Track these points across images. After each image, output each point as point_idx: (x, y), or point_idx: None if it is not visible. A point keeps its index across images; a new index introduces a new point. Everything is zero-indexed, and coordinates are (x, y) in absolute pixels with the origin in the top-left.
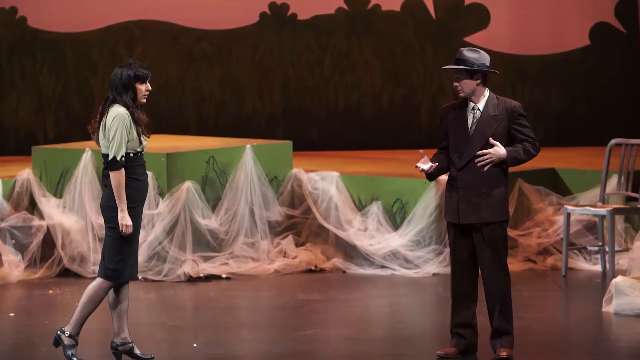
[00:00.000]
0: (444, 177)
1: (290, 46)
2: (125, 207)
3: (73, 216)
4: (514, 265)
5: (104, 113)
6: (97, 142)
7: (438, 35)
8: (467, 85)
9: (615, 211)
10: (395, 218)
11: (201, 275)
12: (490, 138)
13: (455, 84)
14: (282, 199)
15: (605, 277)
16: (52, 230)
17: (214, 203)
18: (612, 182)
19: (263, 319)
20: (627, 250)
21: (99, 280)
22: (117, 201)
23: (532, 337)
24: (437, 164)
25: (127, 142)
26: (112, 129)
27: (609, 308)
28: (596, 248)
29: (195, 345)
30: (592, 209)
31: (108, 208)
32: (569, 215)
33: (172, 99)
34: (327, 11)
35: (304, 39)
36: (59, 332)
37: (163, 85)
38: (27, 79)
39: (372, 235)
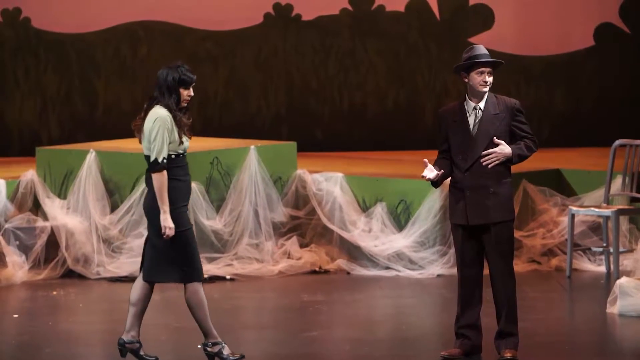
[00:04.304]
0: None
1: (294, 47)
2: (167, 209)
3: (77, 217)
4: (519, 266)
5: (147, 112)
6: (140, 142)
7: (442, 36)
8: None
9: (620, 212)
10: (400, 219)
11: (205, 276)
12: (494, 137)
13: (488, 79)
14: (287, 199)
15: (609, 278)
16: (56, 231)
17: (218, 204)
18: (617, 183)
19: (267, 320)
20: (631, 251)
21: (188, 286)
22: (159, 203)
23: (536, 338)
24: (442, 171)
25: (169, 143)
26: (153, 131)
27: (613, 309)
28: (600, 249)
29: (199, 346)
30: (597, 209)
31: (152, 210)
32: (573, 216)
33: None
34: (331, 12)
35: (308, 39)
36: (204, 348)
37: None
38: (31, 80)
39: (376, 236)
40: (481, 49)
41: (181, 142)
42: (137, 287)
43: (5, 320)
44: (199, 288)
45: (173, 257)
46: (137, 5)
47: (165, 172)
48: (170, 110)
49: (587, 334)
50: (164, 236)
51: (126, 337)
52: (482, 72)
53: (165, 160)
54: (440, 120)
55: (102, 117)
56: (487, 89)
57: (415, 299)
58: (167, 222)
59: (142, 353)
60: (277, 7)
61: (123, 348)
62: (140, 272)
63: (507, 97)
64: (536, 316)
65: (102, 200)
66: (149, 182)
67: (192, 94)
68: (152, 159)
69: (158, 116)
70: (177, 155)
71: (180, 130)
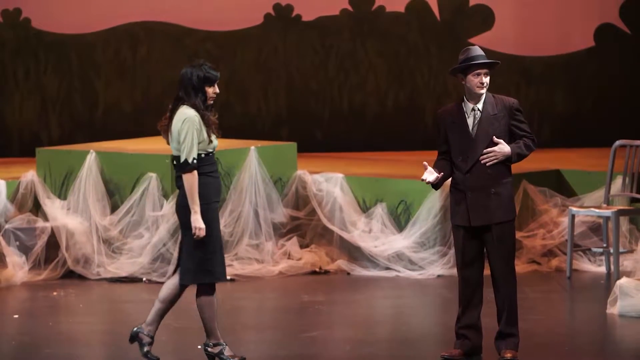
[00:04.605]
0: (448, 180)
1: (294, 47)
2: (198, 209)
3: (77, 218)
4: (519, 266)
5: (173, 112)
6: (168, 142)
7: (442, 37)
8: (488, 82)
9: (620, 212)
10: (400, 219)
11: None
12: (494, 137)
13: (485, 80)
14: (287, 200)
15: (609, 279)
16: (56, 231)
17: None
18: (617, 184)
19: (267, 321)
20: (631, 251)
21: (197, 288)
22: (189, 203)
23: (536, 338)
24: (441, 173)
25: (199, 143)
26: (182, 132)
27: (613, 310)
28: (601, 249)
29: (199, 347)
30: (597, 210)
31: (183, 210)
32: (573, 216)
33: None
34: (331, 12)
35: (309, 40)
36: (205, 349)
37: (167, 87)
38: (31, 80)
39: (376, 236)
40: (476, 50)
41: (210, 141)
42: (169, 287)
43: (6, 321)
44: (207, 289)
45: (194, 253)
46: (137, 6)
47: (195, 172)
48: (197, 110)
49: (587, 334)
50: (194, 236)
51: (145, 329)
52: (478, 74)
53: (195, 161)
54: (438, 122)
55: (102, 117)
56: (484, 91)
57: (416, 299)
58: (197, 223)
59: (146, 349)
60: (278, 8)
61: (135, 335)
62: (173, 273)
63: (505, 96)
64: (536, 317)
65: (102, 201)
66: (179, 183)
67: (217, 91)
68: (182, 159)
69: (187, 117)
70: (207, 154)
71: (209, 129)
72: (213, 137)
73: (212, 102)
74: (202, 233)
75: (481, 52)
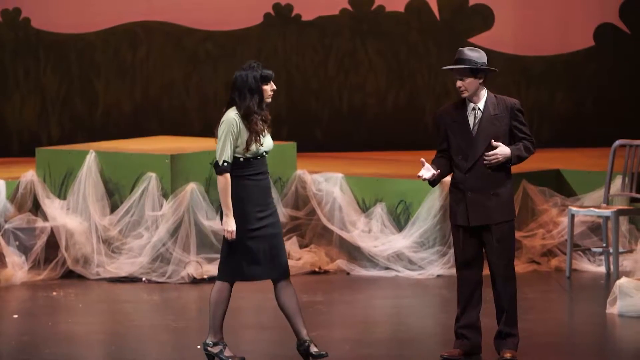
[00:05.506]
0: (447, 178)
1: (294, 47)
2: (229, 212)
3: (77, 217)
4: (518, 266)
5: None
6: None
7: (442, 36)
8: (471, 85)
9: (620, 212)
10: (400, 219)
11: (205, 276)
12: (493, 139)
13: (459, 84)
14: (286, 200)
15: (609, 279)
16: (56, 231)
17: (218, 204)
18: (617, 183)
19: (267, 321)
20: (631, 251)
21: (216, 282)
22: (222, 205)
23: (536, 338)
24: (439, 170)
25: (236, 147)
26: (218, 133)
27: (613, 309)
28: (600, 249)
29: (199, 347)
30: (597, 210)
31: (221, 211)
32: (573, 216)
33: (176, 100)
34: (331, 12)
35: (308, 39)
36: (204, 347)
37: (167, 87)
38: (31, 80)
39: (376, 236)
40: (458, 53)
41: (247, 149)
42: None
43: (5, 321)
44: (223, 288)
45: (222, 251)
46: (136, 6)
47: (227, 175)
48: (250, 113)
49: (587, 334)
50: (226, 238)
51: (303, 337)
52: (456, 79)
53: (226, 163)
54: (438, 121)
55: (102, 117)
56: (465, 95)
57: (415, 299)
58: (227, 226)
59: (314, 350)
60: (277, 8)
61: (305, 350)
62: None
63: (507, 97)
64: (536, 316)
65: (102, 201)
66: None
67: (274, 87)
68: (214, 160)
69: (225, 119)
70: (247, 159)
71: (253, 135)
72: (263, 140)
73: (269, 100)
74: (232, 236)
75: (461, 56)
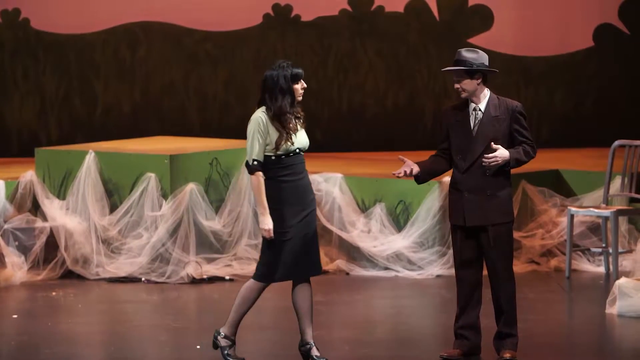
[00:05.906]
0: (447, 178)
1: (293, 47)
2: (264, 210)
3: (76, 218)
4: (518, 267)
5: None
6: None
7: (442, 37)
8: (468, 86)
9: (619, 212)
10: (399, 219)
11: (204, 277)
12: (492, 140)
13: (457, 85)
14: None
15: (608, 279)
16: (55, 231)
17: (217, 205)
18: (616, 184)
19: (266, 321)
20: (630, 251)
21: (250, 280)
22: (256, 204)
23: (535, 339)
24: (418, 169)
25: (266, 145)
26: (247, 133)
27: (612, 310)
28: (600, 249)
29: (198, 347)
30: (596, 210)
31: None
32: (572, 216)
33: (175, 101)
34: (330, 12)
35: (308, 40)
36: (215, 334)
37: (166, 87)
38: (30, 81)
39: (375, 236)
40: (456, 55)
41: (277, 147)
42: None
43: (5, 321)
44: (255, 288)
45: (261, 250)
46: (136, 6)
47: (259, 173)
48: (283, 113)
49: (587, 334)
50: (263, 237)
51: (306, 338)
52: (453, 80)
53: (256, 162)
54: (442, 118)
55: (101, 117)
56: (464, 95)
57: (414, 299)
58: (263, 225)
59: (314, 354)
60: (276, 8)
61: (303, 353)
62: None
63: (509, 99)
64: (535, 317)
65: (101, 201)
66: None
67: (305, 85)
68: (245, 160)
69: (253, 119)
70: (278, 157)
71: (284, 134)
72: (285, 142)
73: (300, 98)
74: (269, 234)
75: (457, 57)
